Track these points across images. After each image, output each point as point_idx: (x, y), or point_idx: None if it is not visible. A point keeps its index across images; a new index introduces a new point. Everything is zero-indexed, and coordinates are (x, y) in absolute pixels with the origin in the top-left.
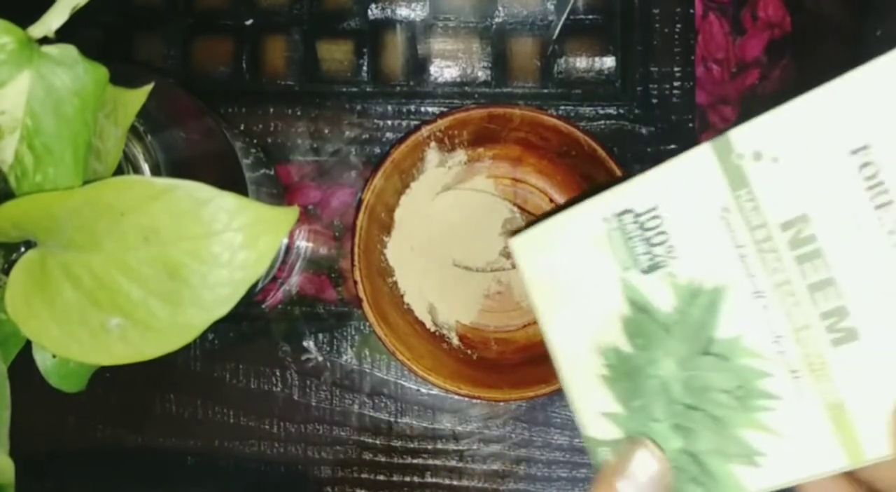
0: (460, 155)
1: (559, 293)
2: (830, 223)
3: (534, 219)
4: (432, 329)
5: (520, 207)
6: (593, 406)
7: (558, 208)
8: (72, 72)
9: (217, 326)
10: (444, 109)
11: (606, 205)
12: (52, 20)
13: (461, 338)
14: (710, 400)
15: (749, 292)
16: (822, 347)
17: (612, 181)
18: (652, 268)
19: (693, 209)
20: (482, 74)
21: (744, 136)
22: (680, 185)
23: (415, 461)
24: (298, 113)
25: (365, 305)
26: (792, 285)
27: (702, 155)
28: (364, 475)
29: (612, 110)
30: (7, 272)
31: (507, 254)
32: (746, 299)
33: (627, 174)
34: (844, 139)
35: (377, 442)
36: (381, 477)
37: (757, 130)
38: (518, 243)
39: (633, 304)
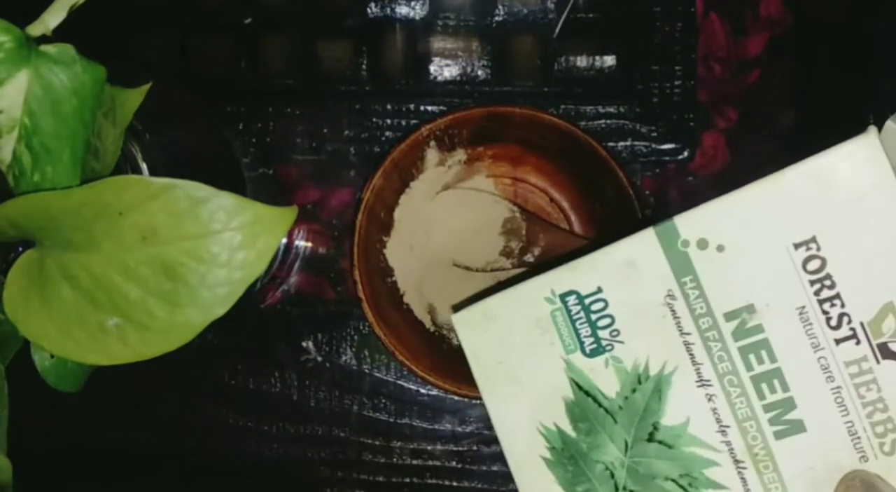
0: (460, 154)
1: (502, 370)
2: (777, 315)
3: (477, 294)
4: (432, 329)
5: (520, 207)
6: (535, 488)
7: (503, 284)
8: (70, 71)
9: (215, 326)
10: (444, 108)
11: (550, 284)
12: (50, 19)
13: None
14: (657, 487)
15: (694, 381)
16: (766, 438)
17: (555, 260)
18: (596, 351)
19: (638, 294)
20: (482, 73)
21: (689, 222)
22: (625, 268)
23: (414, 462)
24: (297, 112)
25: (364, 305)
26: (737, 376)
27: (646, 239)
28: (363, 476)
29: (612, 109)
30: (5, 272)
31: (507, 253)
32: (692, 388)
33: (628, 174)
34: (788, 232)
35: (376, 443)
36: (381, 478)
37: (702, 218)
38: (460, 319)
39: (577, 387)
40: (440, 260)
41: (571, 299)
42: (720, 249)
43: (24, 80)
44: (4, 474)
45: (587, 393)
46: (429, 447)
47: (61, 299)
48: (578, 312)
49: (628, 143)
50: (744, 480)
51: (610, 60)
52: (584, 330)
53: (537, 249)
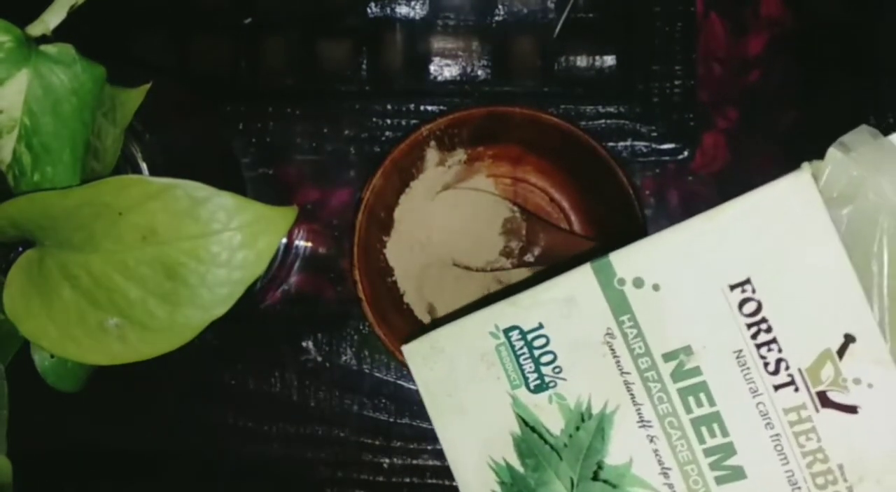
0: (460, 154)
1: (451, 403)
2: (714, 358)
3: (427, 325)
4: None
5: (520, 207)
6: None
7: (452, 315)
8: (70, 71)
9: (215, 326)
10: (444, 108)
11: (493, 319)
12: (50, 19)
13: None
14: None
15: (636, 421)
16: (707, 483)
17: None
18: (540, 387)
19: (578, 331)
20: (482, 73)
21: (624, 260)
22: (565, 305)
23: (415, 462)
24: (297, 112)
25: (364, 305)
26: (677, 418)
27: (584, 276)
28: (363, 476)
29: (612, 109)
30: (5, 272)
31: (507, 253)
32: (634, 428)
33: (628, 174)
34: (724, 272)
35: (376, 443)
36: (381, 478)
37: (636, 256)
38: (409, 350)
39: (524, 422)
40: (440, 260)
41: (514, 334)
42: (656, 288)
43: (24, 80)
44: (4, 474)
45: (533, 429)
46: (429, 447)
47: (61, 299)
48: (522, 348)
49: (628, 143)
50: None
51: (610, 60)
52: (528, 366)
53: (537, 249)
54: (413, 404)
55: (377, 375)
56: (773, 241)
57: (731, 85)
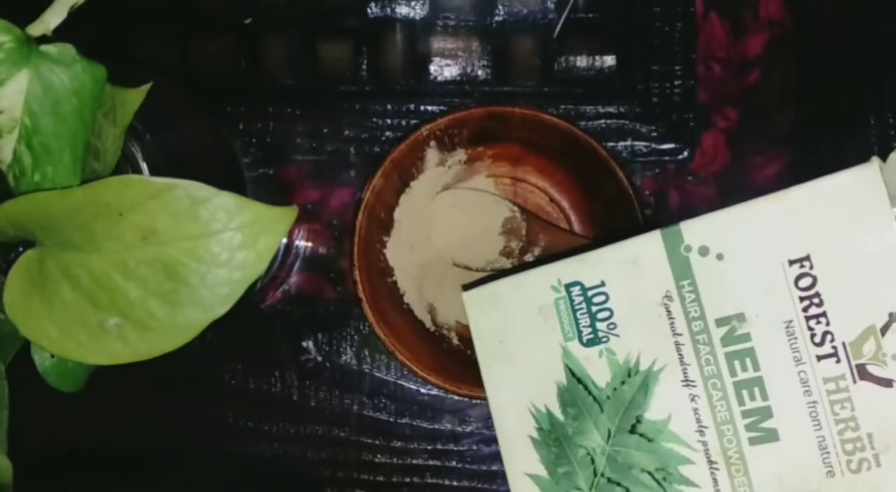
0: (460, 154)
1: (502, 349)
2: (765, 326)
3: (489, 275)
4: (432, 329)
5: (520, 207)
6: (520, 465)
7: (513, 269)
8: (70, 71)
9: (215, 326)
10: (444, 108)
11: (557, 274)
12: (51, 19)
13: (461, 338)
14: (633, 478)
15: (680, 380)
16: (741, 443)
17: (572, 249)
18: (592, 341)
19: (638, 292)
20: (482, 73)
21: (694, 229)
22: (629, 266)
23: (414, 462)
24: (298, 112)
25: (364, 304)
26: (721, 380)
27: (652, 241)
28: (363, 476)
29: (612, 109)
30: (6, 272)
31: (507, 253)
32: (677, 386)
33: (628, 174)
34: (785, 248)
35: (376, 443)
36: (381, 478)
37: (706, 226)
38: (469, 296)
39: (571, 373)
40: (440, 260)
41: (575, 290)
42: (720, 257)
43: (25, 80)
44: (4, 474)
45: (579, 380)
46: (429, 447)
47: (62, 299)
48: (581, 303)
49: (628, 143)
50: (715, 480)
51: (610, 60)
52: (584, 320)
53: (537, 249)
54: (413, 404)
55: (377, 375)
56: (835, 223)
57: (731, 85)
